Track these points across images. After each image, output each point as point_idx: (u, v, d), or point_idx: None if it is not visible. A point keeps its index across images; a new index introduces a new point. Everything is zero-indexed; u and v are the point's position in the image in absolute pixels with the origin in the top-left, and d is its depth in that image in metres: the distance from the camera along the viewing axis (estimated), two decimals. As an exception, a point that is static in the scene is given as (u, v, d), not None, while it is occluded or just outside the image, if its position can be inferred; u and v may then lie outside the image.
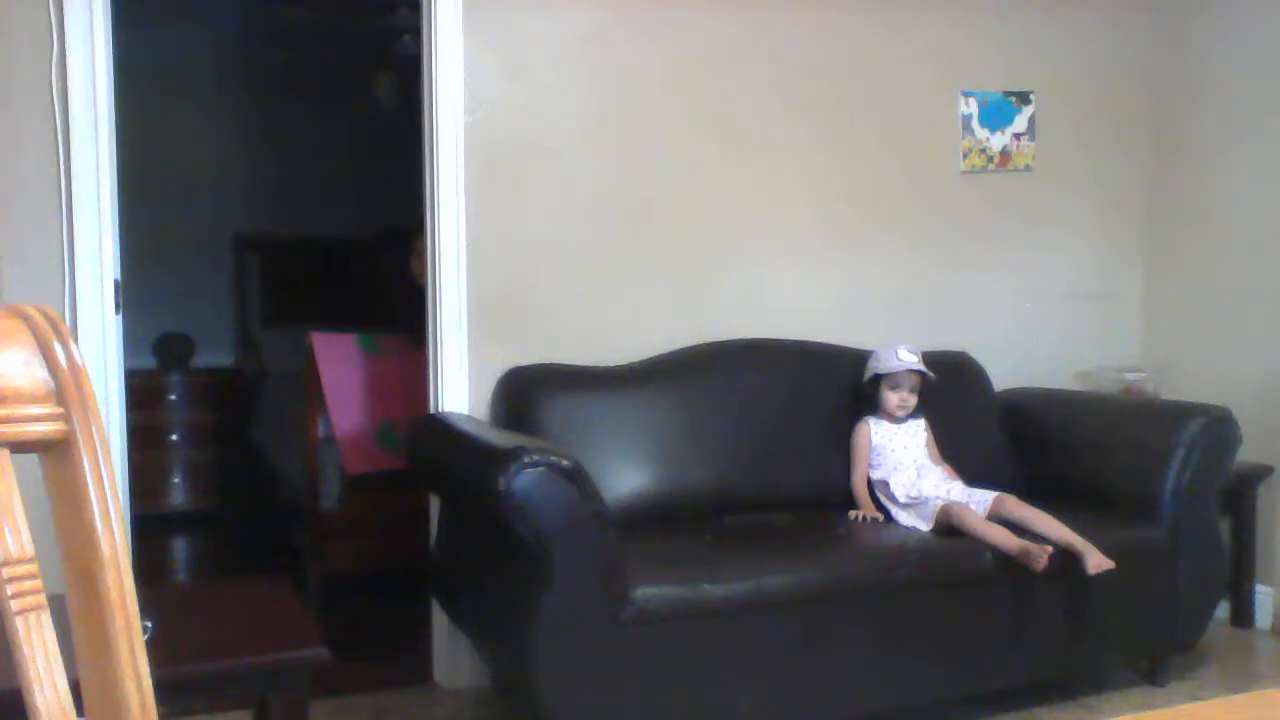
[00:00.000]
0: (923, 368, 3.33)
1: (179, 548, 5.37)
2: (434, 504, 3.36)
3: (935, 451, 3.36)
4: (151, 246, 4.89)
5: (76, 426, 0.78)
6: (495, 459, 2.57)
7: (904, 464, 3.27)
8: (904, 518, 3.17)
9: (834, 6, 3.76)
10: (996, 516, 3.06)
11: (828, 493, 3.37)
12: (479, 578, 3.01)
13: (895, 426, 3.34)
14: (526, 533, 2.54)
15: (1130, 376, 4.00)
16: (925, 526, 3.09)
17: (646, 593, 2.63)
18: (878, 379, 3.36)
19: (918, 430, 3.35)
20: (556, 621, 2.56)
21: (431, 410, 3.35)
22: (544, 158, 3.43)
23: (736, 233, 3.67)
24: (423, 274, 3.53)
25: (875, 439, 3.32)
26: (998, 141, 3.99)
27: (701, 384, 3.41)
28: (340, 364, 4.10)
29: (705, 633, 2.70)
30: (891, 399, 3.33)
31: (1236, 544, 3.75)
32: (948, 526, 3.05)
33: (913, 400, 3.34)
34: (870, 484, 3.31)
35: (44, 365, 0.78)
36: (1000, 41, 4.01)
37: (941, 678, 2.98)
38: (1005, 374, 3.82)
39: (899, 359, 3.32)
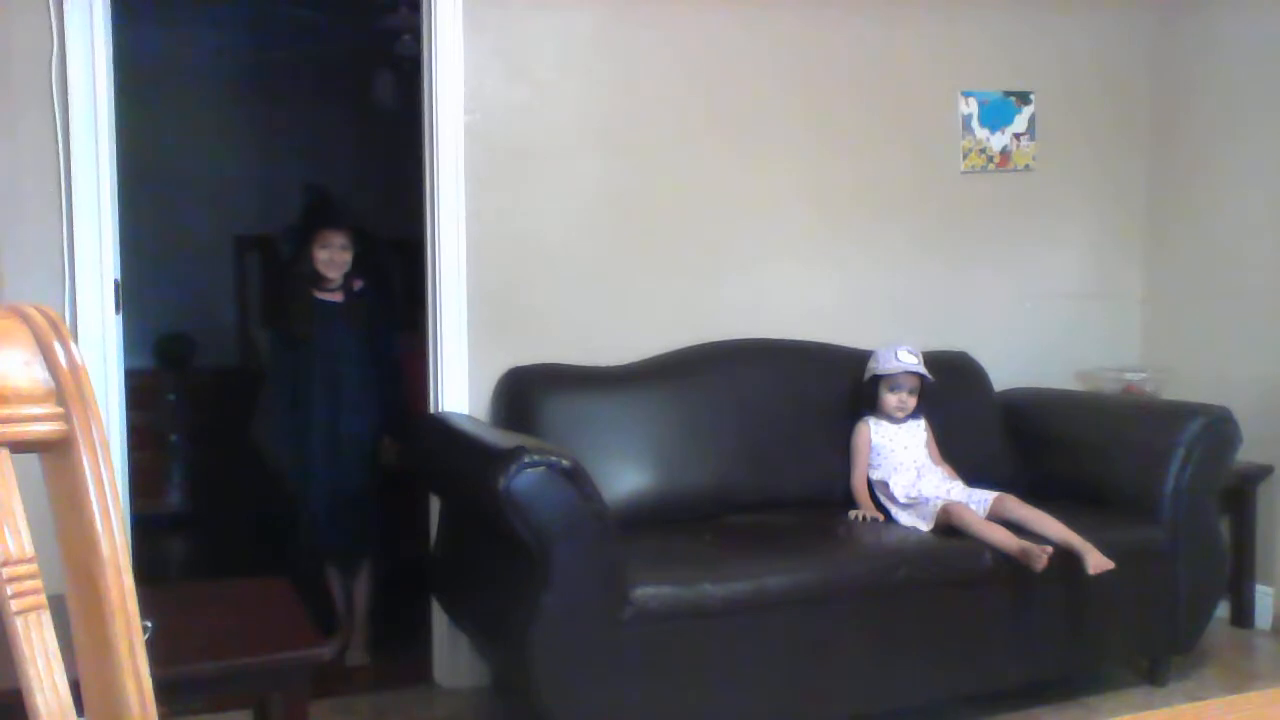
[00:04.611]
0: (921, 369, 3.33)
1: (179, 548, 5.37)
2: (434, 504, 3.36)
3: (935, 452, 3.35)
4: (151, 246, 4.88)
5: (76, 426, 0.78)
6: (495, 459, 2.57)
7: (904, 464, 3.27)
8: (904, 518, 3.17)
9: (834, 6, 3.76)
10: (996, 516, 3.06)
11: (828, 493, 3.37)
12: (479, 578, 3.01)
13: (895, 427, 3.34)
14: (526, 533, 2.54)
15: (1130, 376, 4.00)
16: (925, 526, 3.09)
17: (646, 593, 2.63)
18: (877, 379, 3.37)
19: (918, 430, 3.35)
20: (556, 621, 2.56)
21: (431, 410, 3.35)
22: (544, 158, 3.43)
23: (736, 233, 3.68)
24: (328, 266, 3.51)
25: (875, 439, 3.32)
26: (998, 141, 3.99)
27: (701, 384, 3.41)
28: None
29: (705, 633, 2.70)
30: (890, 400, 3.33)
31: (1236, 544, 3.75)
32: (947, 526, 3.05)
33: (911, 401, 3.34)
34: (870, 484, 3.31)
35: (44, 365, 0.78)
36: (1000, 41, 4.01)
37: (941, 678, 2.98)
38: (1005, 374, 3.82)
39: (897, 360, 3.32)
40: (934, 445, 3.37)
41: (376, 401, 3.64)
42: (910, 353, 3.34)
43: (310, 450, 3.57)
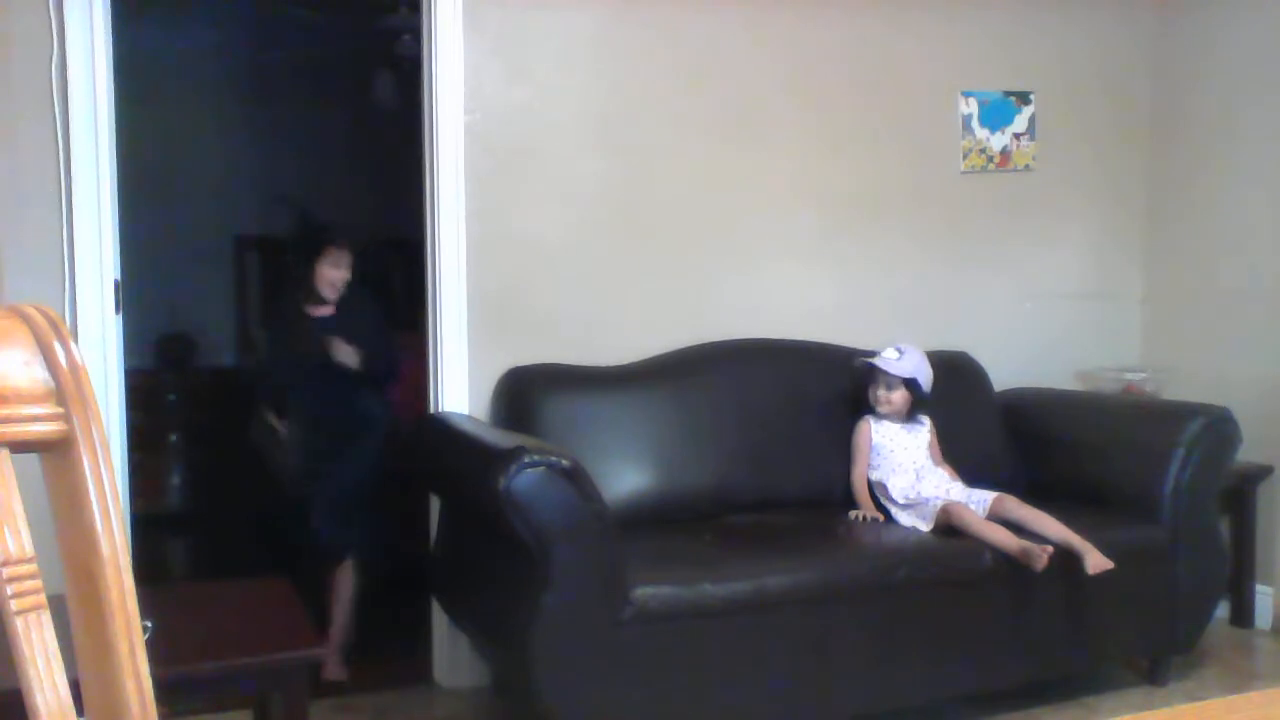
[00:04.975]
0: (888, 366, 3.27)
1: (179, 548, 5.37)
2: (434, 504, 3.36)
3: (938, 453, 3.35)
4: (151, 246, 4.88)
5: (76, 426, 0.78)
6: (495, 459, 2.57)
7: (903, 465, 3.26)
8: (904, 518, 3.17)
9: (835, 7, 3.76)
10: (996, 516, 3.06)
11: (828, 493, 3.37)
12: (479, 578, 3.01)
13: (896, 427, 3.33)
14: (526, 533, 2.54)
15: (1130, 376, 4.00)
16: (925, 527, 3.09)
17: (646, 593, 2.63)
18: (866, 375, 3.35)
19: (920, 432, 3.34)
20: (556, 621, 2.56)
21: (431, 410, 3.35)
22: (544, 157, 3.43)
23: (736, 233, 3.68)
24: (331, 287, 3.45)
25: (876, 438, 3.31)
26: (998, 141, 3.99)
27: (701, 384, 3.41)
28: (340, 364, 4.10)
29: (705, 633, 2.70)
30: (869, 394, 3.32)
31: (1236, 544, 3.75)
32: (947, 526, 3.05)
33: (895, 398, 3.30)
34: (870, 484, 3.31)
35: (44, 365, 0.78)
36: (1000, 41, 4.01)
37: (941, 678, 2.98)
38: (1005, 374, 3.82)
39: (879, 357, 3.31)
40: (936, 447, 3.36)
41: (373, 405, 3.64)
42: (897, 349, 3.30)
43: (308, 452, 3.58)
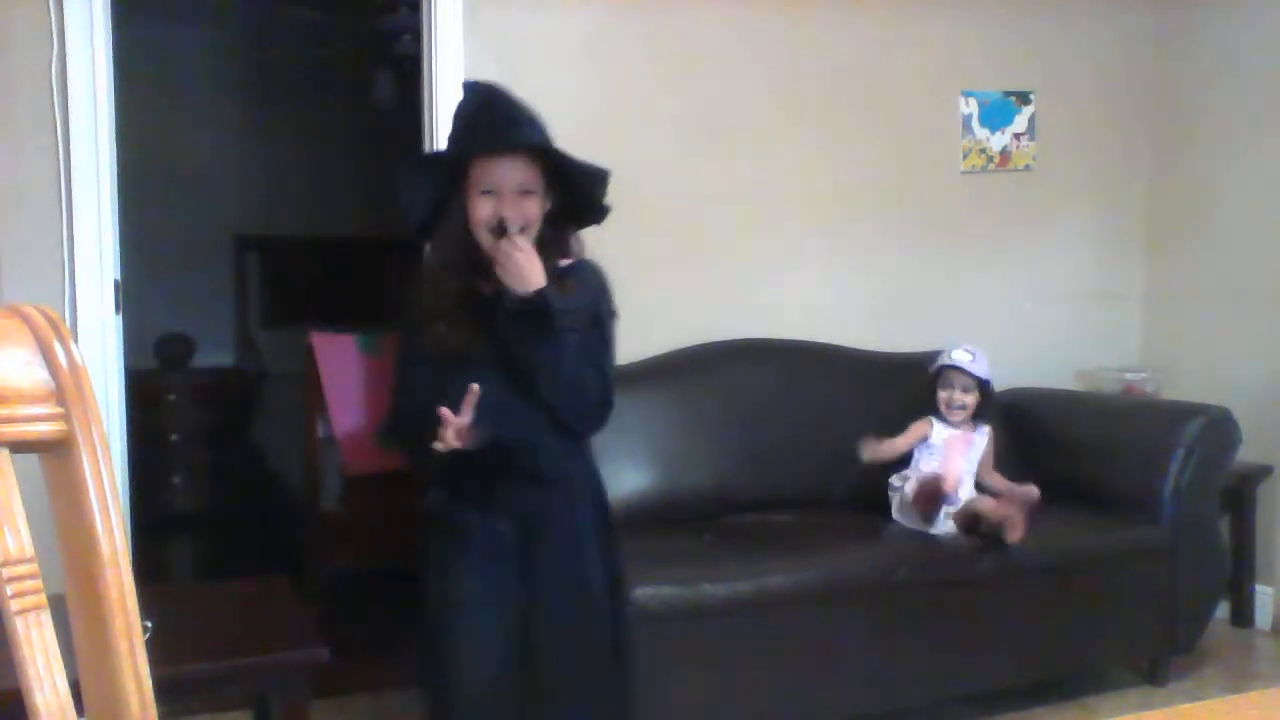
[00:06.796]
0: (968, 366, 3.19)
1: (179, 548, 5.37)
2: (434, 504, 3.36)
3: (990, 462, 3.22)
4: (151, 246, 4.88)
5: (76, 426, 0.78)
6: (495, 459, 2.56)
7: (941, 468, 3.14)
8: (944, 525, 3.08)
9: (834, 7, 3.76)
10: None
11: (828, 493, 3.37)
12: (479, 578, 3.00)
13: (959, 432, 3.20)
14: (526, 533, 2.53)
15: (1130, 376, 4.00)
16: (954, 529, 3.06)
17: (646, 593, 2.63)
18: (935, 379, 3.25)
19: (981, 441, 3.21)
20: (556, 621, 2.55)
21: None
22: (544, 158, 3.42)
23: (736, 233, 3.67)
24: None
25: (934, 439, 3.19)
26: (998, 141, 3.99)
27: (701, 384, 3.41)
28: (340, 364, 4.10)
29: (705, 633, 2.70)
30: (940, 396, 3.22)
31: (1236, 544, 3.75)
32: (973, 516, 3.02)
33: (967, 400, 3.19)
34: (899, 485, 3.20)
35: (44, 365, 0.78)
36: (1000, 41, 4.01)
37: (941, 678, 2.98)
38: (1005, 374, 3.81)
39: (949, 357, 3.22)
40: (992, 456, 3.23)
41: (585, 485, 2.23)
42: (967, 351, 3.22)
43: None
